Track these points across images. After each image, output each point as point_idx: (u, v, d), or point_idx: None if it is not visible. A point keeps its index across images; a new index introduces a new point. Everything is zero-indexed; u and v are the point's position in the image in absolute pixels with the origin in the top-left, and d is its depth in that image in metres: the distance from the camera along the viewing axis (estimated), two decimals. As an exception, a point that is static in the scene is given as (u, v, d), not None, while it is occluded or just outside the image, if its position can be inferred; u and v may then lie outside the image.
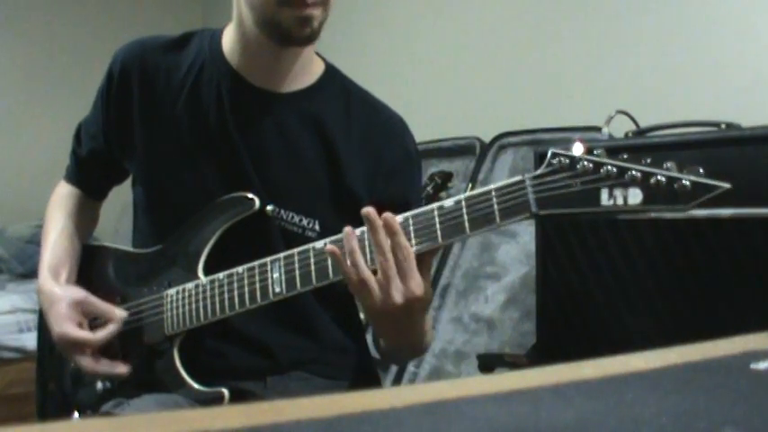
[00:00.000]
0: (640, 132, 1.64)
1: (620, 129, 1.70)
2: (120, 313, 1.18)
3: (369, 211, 0.95)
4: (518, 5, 2.53)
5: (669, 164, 0.80)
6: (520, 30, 2.51)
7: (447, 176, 2.37)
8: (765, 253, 1.27)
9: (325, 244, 1.01)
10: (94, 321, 1.19)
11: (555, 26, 2.39)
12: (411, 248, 0.94)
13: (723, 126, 1.44)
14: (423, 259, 0.96)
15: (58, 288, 1.20)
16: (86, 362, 1.16)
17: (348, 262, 0.96)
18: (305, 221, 1.14)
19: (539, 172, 0.87)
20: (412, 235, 0.95)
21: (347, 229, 0.97)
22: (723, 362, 0.63)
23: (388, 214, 0.94)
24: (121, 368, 1.17)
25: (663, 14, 2.07)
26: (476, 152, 2.39)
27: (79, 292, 1.20)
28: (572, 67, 2.31)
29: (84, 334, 1.16)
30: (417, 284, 0.94)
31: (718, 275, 1.34)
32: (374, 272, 0.96)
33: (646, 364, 0.61)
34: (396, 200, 1.08)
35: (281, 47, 1.12)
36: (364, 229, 0.97)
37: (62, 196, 1.35)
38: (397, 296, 0.94)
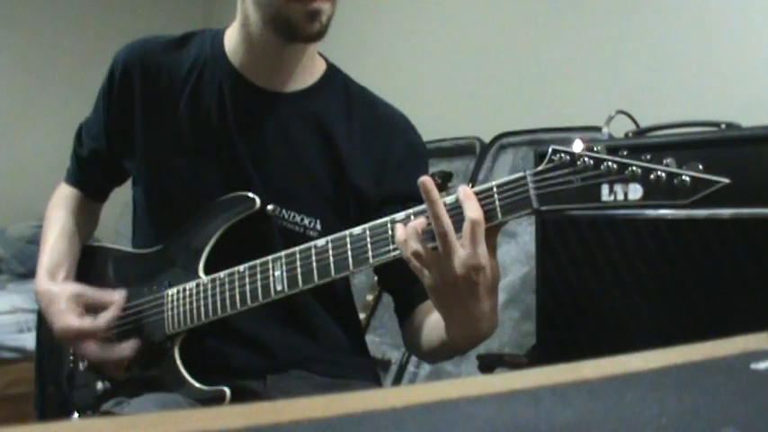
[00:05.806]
0: (640, 132, 1.64)
1: (620, 129, 1.70)
2: (118, 297, 1.18)
3: (425, 180, 0.89)
4: (518, 5, 2.53)
5: (669, 160, 0.80)
6: (520, 30, 2.51)
7: (447, 176, 2.36)
8: (765, 253, 1.27)
9: (327, 242, 1.01)
10: (94, 313, 1.19)
11: (555, 26, 2.39)
12: (480, 215, 0.88)
13: (723, 126, 1.44)
14: (489, 235, 0.90)
15: (54, 286, 1.21)
16: (92, 350, 1.16)
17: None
18: (306, 221, 1.14)
19: (540, 168, 0.87)
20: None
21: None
22: (723, 362, 0.63)
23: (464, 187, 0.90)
24: (127, 350, 1.16)
25: (663, 14, 2.07)
26: (476, 152, 2.39)
27: (75, 286, 1.20)
28: (572, 67, 2.31)
29: (87, 322, 1.16)
30: (482, 255, 0.87)
31: (718, 275, 1.34)
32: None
33: (646, 364, 0.61)
34: (403, 194, 1.08)
35: (288, 44, 1.12)
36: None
37: (62, 198, 1.35)
38: (459, 265, 0.88)
